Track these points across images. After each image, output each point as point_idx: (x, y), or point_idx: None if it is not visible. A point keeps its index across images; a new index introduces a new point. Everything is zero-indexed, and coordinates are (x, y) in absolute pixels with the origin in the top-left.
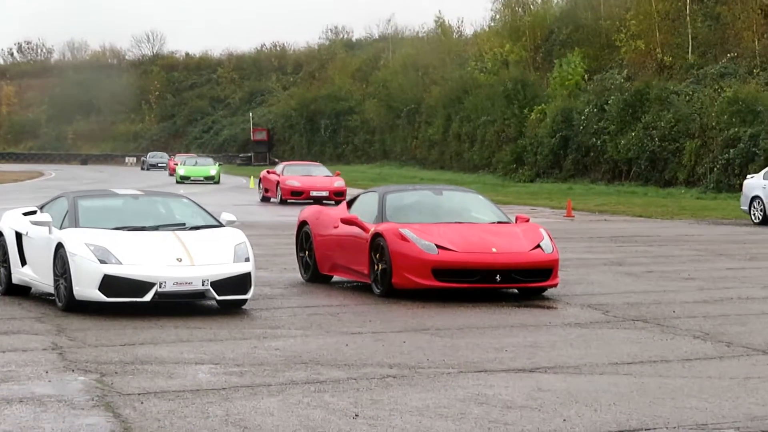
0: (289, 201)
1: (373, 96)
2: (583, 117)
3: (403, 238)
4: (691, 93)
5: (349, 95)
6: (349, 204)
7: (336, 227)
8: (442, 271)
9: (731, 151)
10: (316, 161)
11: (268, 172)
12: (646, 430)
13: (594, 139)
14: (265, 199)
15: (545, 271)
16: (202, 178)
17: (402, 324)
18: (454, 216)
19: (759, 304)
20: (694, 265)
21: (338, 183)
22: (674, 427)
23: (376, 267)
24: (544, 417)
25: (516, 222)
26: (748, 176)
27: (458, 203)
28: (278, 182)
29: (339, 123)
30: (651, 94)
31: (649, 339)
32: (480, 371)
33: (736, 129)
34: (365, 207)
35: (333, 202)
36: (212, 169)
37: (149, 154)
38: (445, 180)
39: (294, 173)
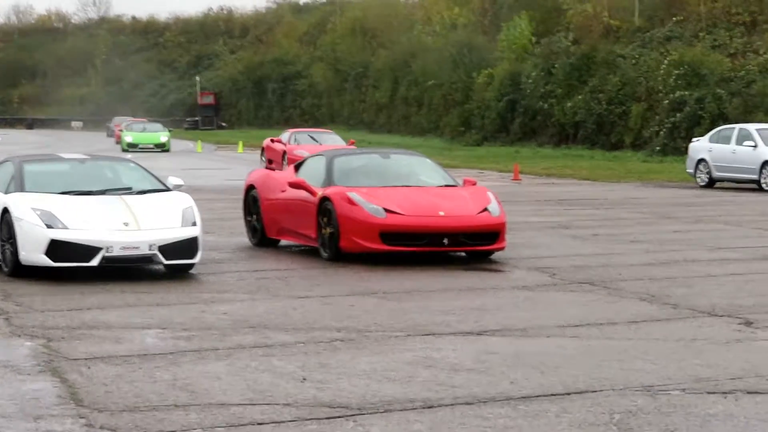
0: None
1: (320, 60)
2: (530, 81)
3: (351, 202)
4: (637, 56)
5: (296, 59)
6: (297, 168)
7: (283, 191)
8: (389, 235)
9: (677, 114)
10: (325, 127)
11: (272, 140)
12: (592, 392)
13: (541, 103)
14: None
15: (492, 234)
16: (151, 146)
17: (350, 288)
18: (402, 179)
19: (704, 267)
20: (640, 228)
21: None
22: (620, 389)
23: (323, 231)
24: (491, 380)
25: (463, 185)
26: (694, 139)
27: (406, 167)
28: (284, 152)
29: (286, 87)
30: (597, 57)
31: (596, 301)
32: (428, 334)
33: (682, 92)
34: (313, 171)
35: None
36: (162, 136)
37: (115, 119)
38: (393, 144)
39: (302, 142)
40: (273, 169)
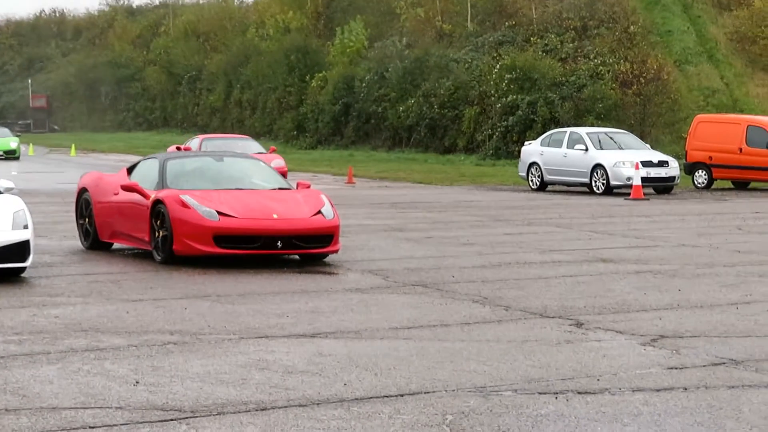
0: None
1: (154, 63)
2: (364, 84)
3: (184, 205)
4: (470, 61)
5: (129, 62)
6: (130, 170)
7: (116, 194)
8: (223, 238)
9: (510, 118)
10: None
11: (178, 148)
12: (425, 393)
13: (375, 107)
14: None
15: (326, 237)
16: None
17: (183, 291)
18: (235, 182)
19: (536, 269)
20: (472, 231)
21: (277, 163)
22: (453, 390)
23: (156, 234)
24: (325, 381)
25: (297, 188)
26: (526, 143)
27: (239, 170)
28: None
29: (120, 90)
30: (430, 61)
31: (429, 303)
32: (261, 337)
33: (514, 96)
34: (146, 173)
35: None
36: (12, 142)
37: None
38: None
39: (217, 150)
40: None
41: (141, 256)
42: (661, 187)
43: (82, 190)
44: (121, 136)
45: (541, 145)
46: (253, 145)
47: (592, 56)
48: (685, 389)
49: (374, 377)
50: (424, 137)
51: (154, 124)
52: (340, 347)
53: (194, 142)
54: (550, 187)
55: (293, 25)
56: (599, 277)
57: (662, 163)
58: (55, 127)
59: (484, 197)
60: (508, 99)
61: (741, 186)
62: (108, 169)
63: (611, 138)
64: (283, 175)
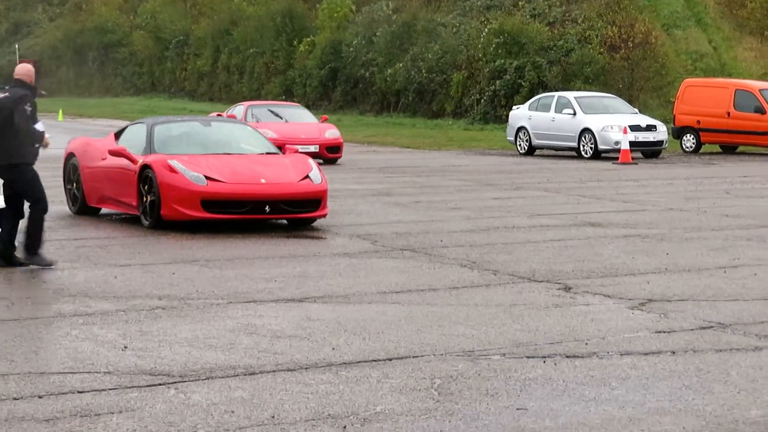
0: None
1: (140, 28)
2: (351, 49)
3: (172, 170)
4: (457, 25)
5: (116, 27)
6: (117, 135)
7: (104, 159)
8: (211, 203)
9: (497, 82)
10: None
11: (219, 115)
12: (413, 357)
13: (362, 71)
14: None
15: (314, 201)
16: None
17: (171, 255)
18: (223, 147)
19: (524, 233)
20: (461, 195)
21: (331, 133)
22: (441, 354)
23: (144, 199)
24: (313, 346)
25: (285, 153)
26: (514, 107)
27: (227, 134)
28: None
29: (107, 55)
30: (418, 26)
31: (417, 268)
32: (249, 302)
33: (502, 61)
34: (133, 138)
35: (322, 160)
36: None
37: None
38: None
39: (263, 119)
40: None
41: (129, 221)
42: (649, 151)
43: (70, 155)
44: (108, 101)
45: (529, 109)
46: (304, 114)
47: (579, 20)
48: (673, 353)
49: (362, 341)
50: (412, 102)
51: (142, 89)
52: (328, 312)
53: (238, 110)
54: (538, 152)
55: None
56: (587, 242)
57: (650, 128)
58: (43, 93)
59: (472, 162)
60: (496, 63)
61: (729, 150)
62: (95, 134)
63: (599, 102)
64: (339, 146)
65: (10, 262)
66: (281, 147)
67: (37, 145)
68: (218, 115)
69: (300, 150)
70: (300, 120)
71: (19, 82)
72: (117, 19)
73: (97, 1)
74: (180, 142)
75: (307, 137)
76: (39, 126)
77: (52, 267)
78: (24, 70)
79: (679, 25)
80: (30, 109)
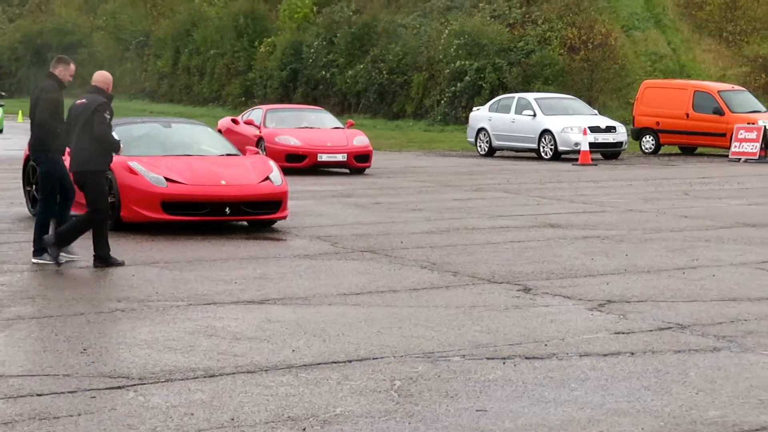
0: (286, 167)
1: (101, 29)
2: (312, 50)
3: (132, 171)
4: (418, 26)
5: (76, 28)
6: None
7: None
8: (171, 204)
9: (458, 84)
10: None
11: (234, 120)
12: (373, 359)
13: (323, 72)
14: None
15: (274, 203)
16: None
17: (131, 257)
18: (183, 149)
19: (484, 234)
20: (421, 197)
21: (359, 140)
22: (401, 356)
23: None
24: (273, 348)
25: (245, 154)
26: (474, 109)
27: (187, 136)
28: (261, 138)
29: (67, 56)
30: (379, 27)
31: (377, 269)
32: (209, 303)
33: (463, 62)
34: None
35: (349, 170)
36: None
37: None
38: (175, 113)
39: (285, 124)
40: None
41: None
42: (609, 152)
43: (29, 157)
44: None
45: (489, 110)
46: (326, 118)
47: (540, 22)
48: (632, 354)
49: (322, 343)
50: (373, 103)
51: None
52: (288, 313)
53: (256, 114)
54: (498, 153)
55: None
56: (547, 243)
57: (610, 129)
58: (3, 93)
59: (432, 163)
60: (457, 65)
61: (688, 151)
62: None
63: (559, 103)
64: (368, 155)
65: (107, 263)
66: (301, 154)
67: (113, 154)
68: (233, 120)
69: (326, 159)
70: (322, 125)
71: (96, 89)
72: (77, 19)
73: (57, 1)
74: (140, 143)
75: (334, 145)
76: (115, 135)
77: (60, 265)
78: (101, 77)
79: (639, 26)
80: (109, 117)
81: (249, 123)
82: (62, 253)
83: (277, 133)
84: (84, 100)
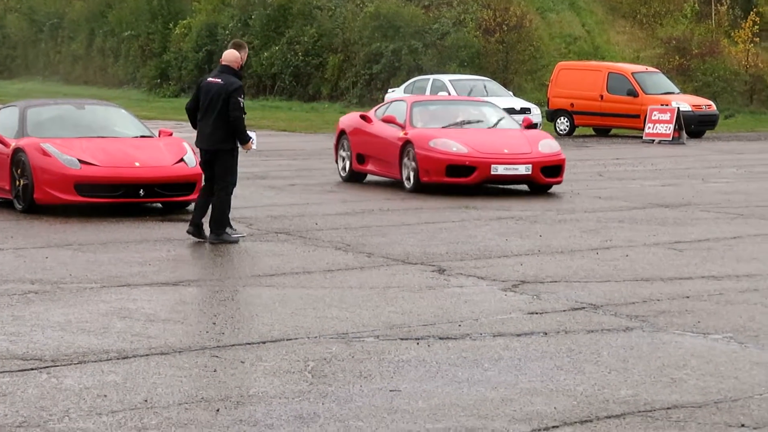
0: (445, 183)
1: (14, 10)
2: (227, 32)
3: (45, 153)
4: (333, 8)
5: None
6: None
7: None
8: (84, 186)
9: (374, 66)
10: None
11: (364, 117)
12: (287, 340)
13: None
14: (355, 177)
15: (189, 185)
16: None
17: (44, 240)
18: (97, 130)
19: (398, 216)
20: (336, 178)
21: (546, 145)
22: (315, 337)
23: (17, 183)
24: (187, 329)
25: (159, 136)
26: (389, 91)
27: (101, 118)
28: (408, 142)
29: None
30: (294, 9)
31: (292, 251)
32: (123, 285)
33: (378, 44)
34: (6, 121)
35: (529, 188)
36: None
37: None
38: (90, 95)
39: (438, 121)
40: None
41: (1, 205)
42: None
43: None
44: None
45: (404, 92)
46: (491, 113)
47: (455, 4)
48: (545, 334)
49: (236, 325)
50: (289, 85)
51: (16, 72)
52: (202, 295)
53: (396, 109)
54: None
55: None
56: (461, 224)
57: (524, 110)
58: None
59: None
60: (372, 47)
61: (602, 132)
62: None
63: (474, 85)
64: (560, 165)
65: (200, 234)
66: (468, 166)
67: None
68: (362, 116)
69: (502, 172)
70: (486, 122)
71: (227, 68)
72: None
73: None
74: (53, 125)
75: (513, 153)
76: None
77: (239, 241)
78: (232, 56)
79: (553, 8)
80: (242, 100)
81: (389, 121)
82: (228, 231)
83: (432, 135)
84: (220, 81)
